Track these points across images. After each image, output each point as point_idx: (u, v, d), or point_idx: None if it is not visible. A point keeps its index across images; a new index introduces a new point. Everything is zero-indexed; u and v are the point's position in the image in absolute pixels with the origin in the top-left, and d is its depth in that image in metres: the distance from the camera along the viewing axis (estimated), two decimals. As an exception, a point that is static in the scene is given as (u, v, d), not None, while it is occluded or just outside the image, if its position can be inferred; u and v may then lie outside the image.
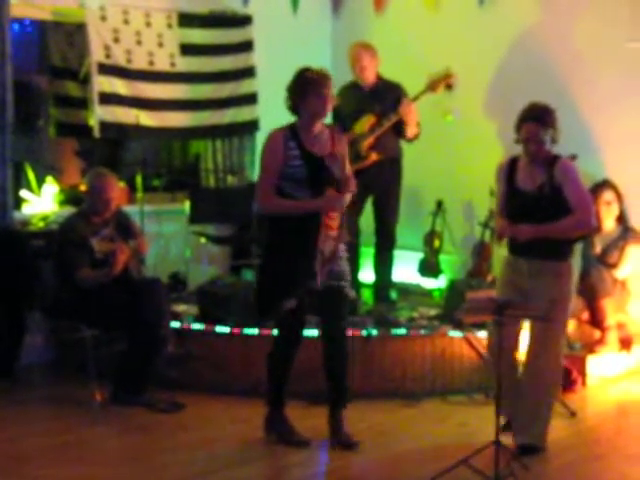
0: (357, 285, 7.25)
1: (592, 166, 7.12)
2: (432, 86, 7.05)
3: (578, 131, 7.21)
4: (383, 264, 7.39)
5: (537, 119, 5.15)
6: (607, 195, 6.98)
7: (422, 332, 6.49)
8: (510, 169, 5.33)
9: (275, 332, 5.50)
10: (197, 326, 6.57)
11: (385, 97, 7.07)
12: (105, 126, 7.67)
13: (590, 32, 7.41)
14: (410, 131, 7.04)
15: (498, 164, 5.47)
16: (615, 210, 7.02)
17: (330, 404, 5.46)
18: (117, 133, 7.90)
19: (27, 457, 5.26)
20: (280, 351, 5.45)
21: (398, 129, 7.06)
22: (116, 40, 7.73)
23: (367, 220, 7.29)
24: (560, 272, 5.23)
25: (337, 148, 5.29)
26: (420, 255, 8.21)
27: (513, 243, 5.33)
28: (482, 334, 6.29)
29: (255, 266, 7.96)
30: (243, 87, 8.49)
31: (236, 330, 6.43)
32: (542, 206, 5.16)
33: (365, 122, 7.03)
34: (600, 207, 6.88)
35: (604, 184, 7.02)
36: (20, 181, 7.78)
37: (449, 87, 7.18)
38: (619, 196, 7.04)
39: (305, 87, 5.18)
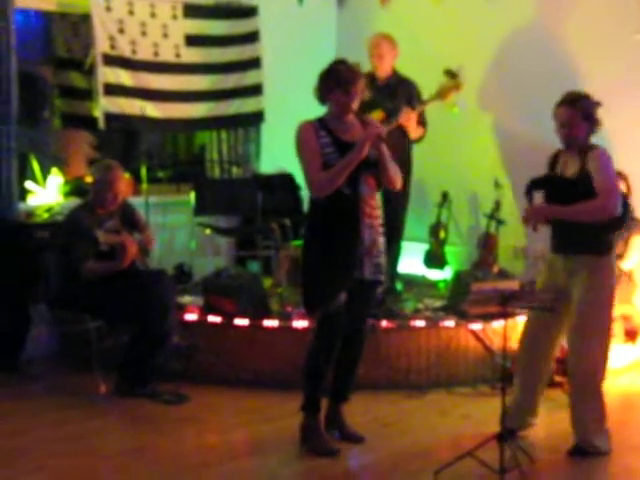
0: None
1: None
2: (441, 94, 6.98)
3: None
4: (389, 256, 7.33)
5: (568, 103, 5.10)
6: (617, 185, 6.94)
7: (427, 323, 6.47)
8: (553, 160, 5.31)
9: (319, 329, 5.14)
10: (202, 318, 6.56)
11: (397, 93, 7.03)
12: (110, 117, 7.67)
13: (597, 24, 7.37)
14: (412, 135, 7.02)
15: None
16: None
17: (336, 397, 5.39)
18: (122, 124, 7.90)
19: (30, 448, 5.25)
20: (325, 349, 5.11)
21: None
22: (121, 31, 7.73)
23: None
24: (595, 267, 5.10)
25: None
26: (425, 246, 8.21)
27: (553, 240, 5.29)
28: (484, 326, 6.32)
29: (261, 258, 8.01)
30: (248, 78, 8.47)
31: (242, 321, 6.42)
32: (572, 191, 5.06)
33: (374, 117, 6.98)
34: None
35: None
36: (25, 172, 7.78)
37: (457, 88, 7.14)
38: (629, 188, 7.00)
39: (333, 81, 5.02)
